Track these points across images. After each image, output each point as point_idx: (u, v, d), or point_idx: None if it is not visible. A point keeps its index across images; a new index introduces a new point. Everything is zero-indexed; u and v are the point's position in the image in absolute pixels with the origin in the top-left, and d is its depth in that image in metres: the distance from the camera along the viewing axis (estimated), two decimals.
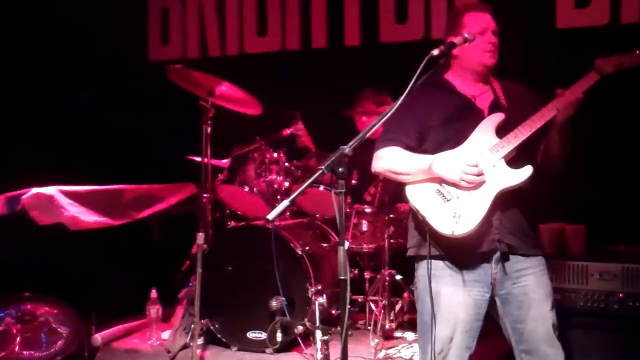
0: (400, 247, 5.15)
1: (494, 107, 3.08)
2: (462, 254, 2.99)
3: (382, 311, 4.81)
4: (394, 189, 5.11)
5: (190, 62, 6.31)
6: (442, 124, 3.06)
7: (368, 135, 2.65)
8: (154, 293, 4.98)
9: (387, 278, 4.83)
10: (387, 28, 6.10)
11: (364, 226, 5.10)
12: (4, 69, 6.10)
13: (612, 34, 5.31)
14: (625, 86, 4.55)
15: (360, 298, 5.05)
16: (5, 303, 4.78)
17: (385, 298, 4.82)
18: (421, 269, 3.10)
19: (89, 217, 5.05)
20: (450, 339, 3.02)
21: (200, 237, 4.48)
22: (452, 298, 3.01)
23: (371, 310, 4.95)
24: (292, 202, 2.55)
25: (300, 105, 5.34)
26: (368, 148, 5.16)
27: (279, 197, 4.85)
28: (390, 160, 3.08)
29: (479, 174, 2.89)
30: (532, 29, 5.44)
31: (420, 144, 3.08)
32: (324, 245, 5.00)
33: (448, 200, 2.94)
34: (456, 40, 2.93)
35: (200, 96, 4.73)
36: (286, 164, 4.96)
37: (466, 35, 2.94)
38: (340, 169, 2.48)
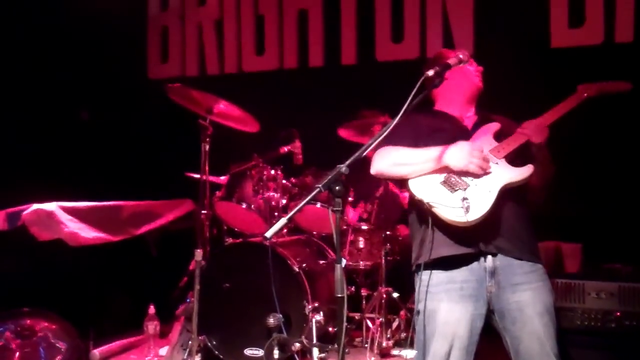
0: (396, 265, 5.18)
1: (480, 126, 3.16)
2: (458, 260, 2.97)
3: (379, 329, 4.83)
4: (391, 207, 5.16)
5: (189, 80, 6.37)
6: (430, 134, 3.09)
7: (365, 153, 2.69)
8: (151, 309, 4.99)
9: (384, 295, 4.84)
10: (383, 47, 6.17)
11: (361, 243, 5.13)
12: (5, 86, 6.14)
13: (606, 53, 5.36)
14: (621, 105, 4.61)
15: (357, 315, 5.07)
16: (4, 318, 4.77)
17: (382, 315, 4.83)
18: (419, 285, 3.08)
19: (88, 233, 5.07)
20: (447, 356, 2.99)
21: (199, 253, 4.49)
22: (448, 314, 2.98)
23: (368, 328, 4.96)
24: (290, 219, 2.58)
25: (297, 123, 5.37)
26: (365, 166, 5.23)
27: (276, 214, 4.88)
28: (393, 154, 3.06)
29: (486, 159, 2.92)
30: (527, 48, 5.49)
31: None
32: (321, 262, 5.02)
33: (455, 191, 2.92)
34: (451, 61, 2.96)
35: (199, 114, 4.77)
36: (283, 181, 4.99)
37: (460, 56, 2.98)
38: (337, 187, 2.50)
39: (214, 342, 4.65)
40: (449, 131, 3.10)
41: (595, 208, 5.13)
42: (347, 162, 2.57)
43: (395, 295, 4.91)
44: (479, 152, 2.92)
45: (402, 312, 5.01)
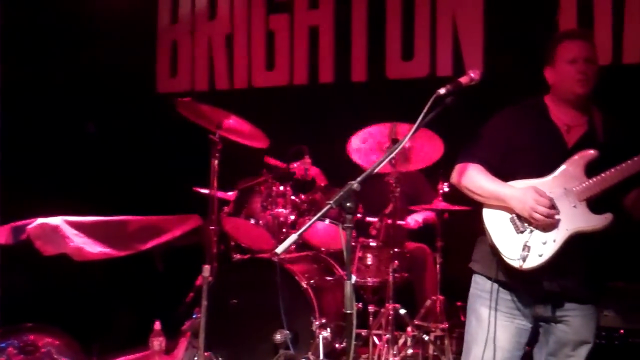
0: (404, 281, 5.17)
1: (586, 141, 2.99)
2: (517, 287, 2.98)
3: (386, 345, 4.80)
4: (400, 225, 5.15)
5: (198, 95, 6.38)
6: (523, 149, 3.03)
7: (376, 171, 2.69)
8: (157, 325, 4.97)
9: (391, 312, 4.81)
10: (394, 64, 6.18)
11: (369, 260, 5.10)
12: (12, 99, 6.17)
13: (614, 73, 5.37)
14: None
15: (364, 332, 5.04)
16: (7, 333, 4.76)
17: (389, 332, 4.81)
18: (472, 286, 3.12)
19: (93, 248, 5.07)
20: None
21: (206, 269, 4.49)
22: (493, 322, 3.00)
23: (375, 344, 4.93)
24: (300, 235, 2.58)
25: (306, 138, 5.38)
26: (374, 182, 5.23)
27: (284, 230, 4.88)
28: (469, 179, 3.06)
29: (549, 215, 2.84)
30: (537, 67, 5.48)
31: (501, 164, 3.05)
32: (329, 278, 5.00)
33: (521, 232, 2.91)
34: (463, 80, 2.94)
35: (208, 129, 4.78)
36: (292, 197, 4.99)
37: (472, 75, 2.96)
38: (348, 204, 2.50)
39: (220, 359, 4.63)
40: (542, 149, 3.02)
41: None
42: (359, 179, 2.57)
43: (403, 312, 4.88)
44: (545, 205, 2.85)
45: (409, 329, 4.99)
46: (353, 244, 5.06)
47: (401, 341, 5.03)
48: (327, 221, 4.81)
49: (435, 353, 4.95)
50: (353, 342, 2.53)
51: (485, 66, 5.66)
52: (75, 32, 6.67)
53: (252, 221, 4.96)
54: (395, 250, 4.94)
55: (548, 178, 2.95)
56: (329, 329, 4.51)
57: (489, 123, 3.11)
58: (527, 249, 2.87)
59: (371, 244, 5.12)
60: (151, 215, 5.68)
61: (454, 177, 3.14)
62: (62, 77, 6.62)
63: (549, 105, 3.11)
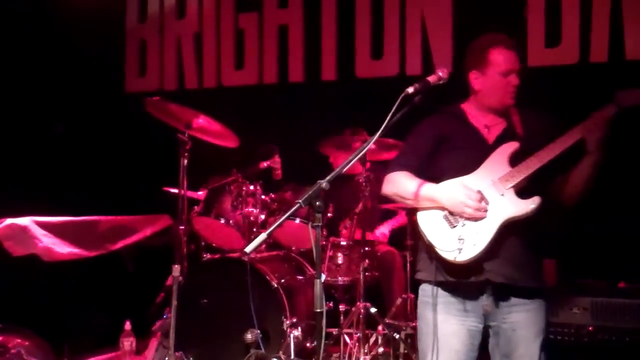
0: (375, 280, 5.20)
1: (506, 136, 3.06)
2: (459, 282, 3.00)
3: (357, 344, 4.81)
4: (371, 224, 5.18)
5: (167, 94, 6.32)
6: (447, 151, 3.09)
7: (344, 170, 2.70)
8: (127, 325, 4.94)
9: (362, 311, 4.83)
10: (363, 63, 6.20)
11: (340, 259, 5.11)
12: None
13: (581, 72, 5.44)
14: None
15: (335, 331, 5.05)
16: None
17: (360, 331, 4.82)
18: (419, 296, 3.14)
19: (63, 249, 5.03)
20: None
21: (176, 269, 4.46)
22: (445, 326, 3.02)
23: (346, 343, 4.94)
24: (270, 235, 2.58)
25: (276, 138, 5.38)
26: (344, 182, 5.25)
27: (255, 229, 4.87)
28: (398, 186, 3.11)
29: (479, 209, 2.90)
30: None
31: (428, 169, 3.10)
32: (300, 277, 5.01)
33: (454, 227, 2.96)
34: (430, 79, 2.96)
35: (177, 128, 4.76)
36: (262, 196, 4.99)
37: (440, 74, 2.98)
38: (317, 203, 2.51)
39: (191, 359, 4.61)
40: (465, 148, 3.07)
41: (569, 224, 5.17)
42: (328, 178, 2.58)
43: (373, 310, 4.89)
44: (474, 198, 2.91)
45: (380, 328, 5.01)
46: (324, 243, 5.07)
47: (372, 340, 5.05)
48: (297, 220, 4.81)
49: (406, 351, 4.97)
50: (323, 341, 2.52)
51: (454, 65, 5.68)
52: (43, 31, 6.60)
53: (222, 221, 4.95)
54: (366, 249, 4.96)
55: (474, 173, 3.00)
56: (299, 328, 4.52)
57: (412, 132, 3.15)
58: (461, 241, 2.92)
59: (342, 243, 5.14)
60: (121, 215, 5.64)
61: (384, 188, 3.18)
62: (30, 76, 6.54)
63: (467, 110, 3.17)
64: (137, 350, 5.00)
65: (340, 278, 5.10)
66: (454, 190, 2.95)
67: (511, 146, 3.00)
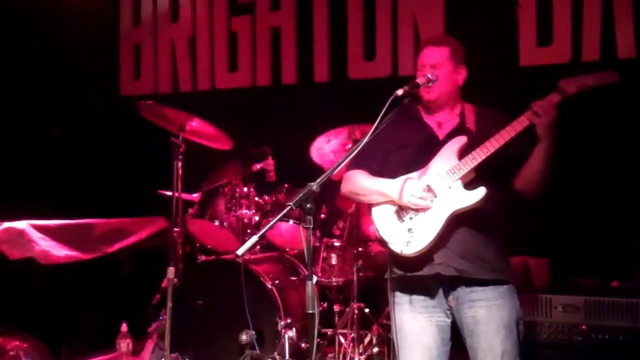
0: (368, 281, 5.22)
1: (456, 132, 3.10)
2: (418, 277, 3.04)
3: (351, 344, 4.84)
4: (363, 224, 5.20)
5: (161, 97, 6.37)
6: (398, 149, 3.15)
7: (335, 172, 2.73)
8: (124, 327, 4.95)
9: (356, 311, 4.86)
10: (356, 65, 6.21)
11: (333, 260, 5.15)
12: None
13: (573, 71, 5.44)
14: (586, 116, 4.68)
15: (329, 331, 5.08)
16: None
17: (354, 331, 4.85)
18: (389, 295, 3.18)
19: (59, 252, 5.05)
20: None
21: (171, 271, 4.49)
22: (413, 324, 3.09)
23: (340, 343, 4.97)
24: (262, 237, 2.61)
25: (270, 140, 5.40)
26: (337, 184, 5.27)
27: (249, 231, 4.90)
28: (352, 183, 3.21)
29: (424, 198, 2.96)
30: (496, 67, 5.57)
31: (383, 167, 3.17)
32: (294, 278, 5.03)
33: (403, 221, 3.03)
34: (420, 80, 3.03)
35: (171, 132, 4.79)
36: (256, 198, 5.02)
37: (429, 76, 3.04)
38: (308, 205, 2.54)
39: None
40: (416, 145, 3.12)
41: (562, 223, 5.20)
42: (318, 180, 2.62)
43: (367, 310, 4.93)
44: (419, 188, 2.98)
45: (374, 328, 5.03)
46: (317, 244, 5.10)
47: (367, 340, 5.08)
48: (290, 222, 4.84)
49: None
50: (315, 342, 2.56)
51: None
52: (38, 35, 6.61)
53: (217, 223, 4.98)
54: (360, 249, 4.99)
55: (425, 168, 3.06)
56: (294, 329, 4.55)
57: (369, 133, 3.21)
58: (410, 234, 2.99)
59: (335, 243, 5.17)
60: (116, 218, 5.67)
61: (342, 187, 3.28)
62: (25, 80, 6.56)
63: (421, 109, 3.24)
64: (134, 352, 5.02)
65: (334, 279, 5.13)
66: (401, 184, 3.02)
67: (459, 140, 3.04)
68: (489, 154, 2.93)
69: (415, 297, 3.08)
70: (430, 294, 3.06)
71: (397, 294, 3.13)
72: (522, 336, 3.09)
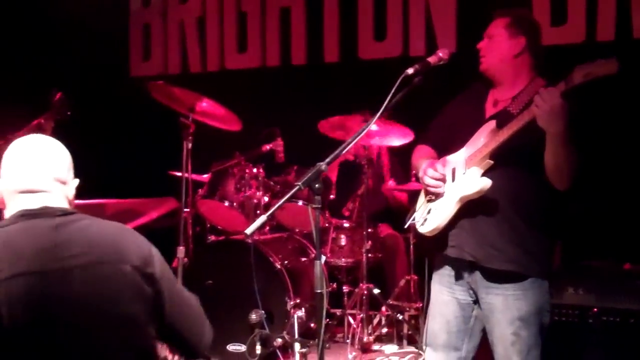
0: (378, 262, 5.23)
1: (502, 113, 2.96)
2: (443, 255, 3.07)
3: (360, 324, 4.86)
4: (372, 206, 5.19)
5: (171, 78, 6.33)
6: (457, 125, 3.12)
7: (344, 152, 2.71)
8: None
9: (365, 292, 4.87)
10: (366, 45, 6.19)
11: (342, 240, 5.16)
12: None
13: (588, 51, 5.40)
14: (597, 94, 4.64)
15: (338, 311, 5.10)
16: None
17: (363, 312, 4.87)
18: None
19: None
20: (435, 335, 3.12)
21: (181, 251, 4.51)
22: (438, 296, 3.13)
23: (349, 324, 4.99)
24: (270, 217, 2.60)
25: (279, 120, 5.39)
26: (347, 164, 5.27)
27: (258, 211, 4.90)
28: (413, 157, 3.28)
29: (434, 184, 2.99)
30: None
31: (447, 144, 3.11)
32: (303, 259, 5.05)
33: (429, 201, 3.08)
34: (431, 59, 2.95)
35: (181, 112, 4.78)
36: (265, 179, 5.02)
37: (440, 54, 2.98)
38: (316, 185, 2.51)
39: None
40: (467, 124, 3.06)
41: (573, 204, 5.16)
42: (327, 160, 2.58)
43: (376, 291, 4.94)
44: (432, 174, 2.99)
45: (383, 309, 5.05)
46: (327, 225, 5.10)
47: (375, 321, 5.10)
48: (299, 202, 4.84)
49: (410, 332, 5.01)
50: (324, 321, 2.55)
51: (458, 46, 5.68)
52: (48, 17, 6.60)
53: (226, 203, 4.98)
54: (369, 230, 4.99)
55: (461, 150, 3.02)
56: (303, 309, 4.58)
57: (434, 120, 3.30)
58: (429, 214, 3.05)
59: (344, 224, 5.17)
60: (127, 199, 5.67)
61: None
62: (35, 61, 6.56)
63: (488, 88, 3.15)
64: None
65: (343, 259, 5.14)
66: (422, 165, 3.06)
67: (489, 125, 2.96)
68: (498, 144, 2.84)
69: (443, 272, 3.12)
70: (454, 272, 3.07)
71: (435, 266, 3.18)
72: (546, 328, 2.99)
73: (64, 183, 2.22)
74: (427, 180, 3.01)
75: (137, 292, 2.04)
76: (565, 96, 2.69)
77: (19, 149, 2.13)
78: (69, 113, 4.63)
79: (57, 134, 5.10)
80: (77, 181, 2.33)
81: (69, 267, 1.95)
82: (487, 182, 2.87)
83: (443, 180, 2.99)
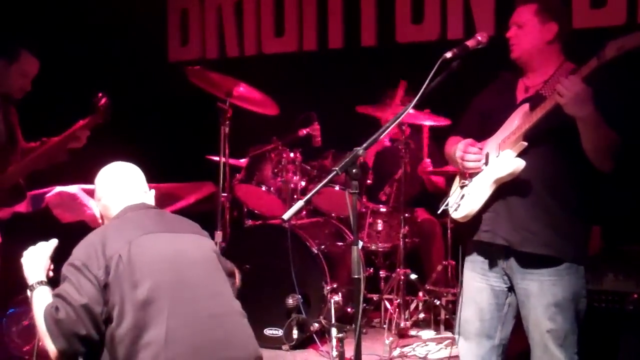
0: (415, 247, 5.21)
1: (533, 97, 2.94)
2: (476, 241, 3.04)
3: (397, 310, 4.86)
4: (409, 190, 5.17)
5: (208, 63, 6.39)
6: (489, 112, 3.10)
7: (382, 136, 2.70)
8: None
9: (402, 277, 4.86)
10: (403, 28, 6.13)
11: (379, 225, 5.15)
12: None
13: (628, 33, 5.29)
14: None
15: (375, 296, 5.10)
16: (26, 299, 4.85)
17: (400, 297, 4.86)
18: None
19: None
20: (467, 323, 3.10)
21: (218, 235, 4.54)
22: (471, 283, 3.10)
23: (386, 309, 4.99)
24: (307, 202, 2.61)
25: (316, 105, 5.39)
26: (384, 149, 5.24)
27: (295, 196, 4.91)
28: (446, 147, 3.25)
29: (473, 163, 2.96)
30: None
31: (480, 134, 3.09)
32: (340, 244, 5.05)
33: (462, 187, 3.05)
34: (469, 43, 2.92)
35: (219, 97, 4.80)
36: (302, 163, 5.02)
37: (479, 38, 2.94)
38: (354, 170, 2.50)
39: None
40: (499, 110, 3.04)
41: (614, 190, 5.08)
42: (364, 145, 2.56)
43: (414, 277, 4.92)
44: (470, 153, 2.97)
45: (420, 294, 5.04)
46: (363, 209, 5.09)
47: (412, 306, 5.09)
48: (336, 187, 4.83)
49: (447, 317, 4.99)
50: (361, 307, 2.54)
51: (496, 29, 5.59)
52: (86, 3, 6.65)
53: (264, 188, 5.00)
54: (406, 215, 4.97)
55: (495, 135, 2.99)
56: (340, 294, 4.58)
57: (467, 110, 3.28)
58: (462, 199, 3.01)
59: (381, 209, 5.16)
60: (165, 183, 5.72)
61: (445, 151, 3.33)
62: (75, 48, 6.63)
63: (517, 76, 3.12)
64: None
65: (380, 244, 5.13)
66: (459, 146, 3.01)
67: (523, 108, 2.92)
68: (526, 128, 2.82)
69: (476, 258, 3.09)
70: (488, 258, 3.04)
71: (467, 253, 3.14)
72: (583, 315, 2.96)
73: (146, 192, 3.15)
74: (468, 157, 2.96)
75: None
76: (588, 80, 2.66)
77: (114, 175, 3.12)
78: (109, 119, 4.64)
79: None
80: (153, 191, 3.22)
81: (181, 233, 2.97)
82: (520, 163, 2.84)
83: (483, 158, 2.96)
